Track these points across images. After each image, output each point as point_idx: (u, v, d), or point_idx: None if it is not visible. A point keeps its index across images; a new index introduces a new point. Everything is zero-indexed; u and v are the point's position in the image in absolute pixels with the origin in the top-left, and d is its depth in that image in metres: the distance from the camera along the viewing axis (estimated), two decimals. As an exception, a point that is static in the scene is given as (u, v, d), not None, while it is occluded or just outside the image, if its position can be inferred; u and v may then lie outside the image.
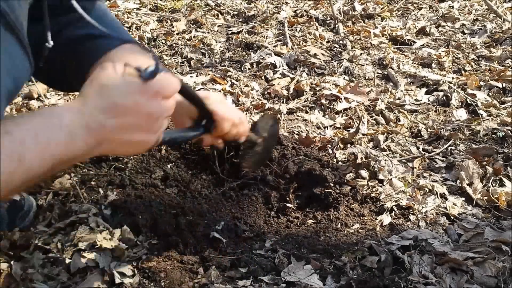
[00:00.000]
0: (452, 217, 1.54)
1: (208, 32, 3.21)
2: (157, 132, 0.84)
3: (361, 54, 2.81)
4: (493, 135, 1.95)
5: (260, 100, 2.32)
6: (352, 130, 2.05)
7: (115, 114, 0.77)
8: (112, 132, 0.78)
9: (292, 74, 2.60)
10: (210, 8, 3.71)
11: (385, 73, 2.60)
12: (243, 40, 3.04)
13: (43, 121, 0.72)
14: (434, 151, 1.89)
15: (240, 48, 2.99)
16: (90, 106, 0.76)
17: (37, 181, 0.75)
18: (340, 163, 1.83)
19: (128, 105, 0.78)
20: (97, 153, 0.82)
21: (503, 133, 1.93)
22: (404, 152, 1.90)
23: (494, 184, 1.67)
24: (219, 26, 3.39)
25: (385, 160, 1.80)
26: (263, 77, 2.59)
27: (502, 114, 2.12)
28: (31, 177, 0.71)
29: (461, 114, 2.17)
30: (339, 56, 2.82)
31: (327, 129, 2.10)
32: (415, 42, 2.99)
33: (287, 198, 1.71)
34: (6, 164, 0.66)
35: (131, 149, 0.88)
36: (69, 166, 0.75)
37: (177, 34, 3.17)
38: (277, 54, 2.81)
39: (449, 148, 1.90)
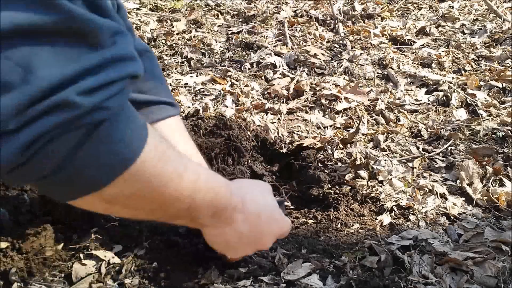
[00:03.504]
0: (452, 217, 1.54)
1: (208, 32, 3.21)
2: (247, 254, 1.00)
3: (361, 54, 2.80)
4: (493, 135, 1.95)
5: (260, 100, 2.32)
6: (352, 130, 2.05)
7: (251, 226, 0.86)
8: (236, 230, 0.86)
9: (292, 74, 2.60)
10: (210, 8, 3.71)
11: (385, 73, 2.60)
12: (243, 40, 3.04)
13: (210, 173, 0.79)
14: (434, 151, 1.89)
15: (240, 48, 2.98)
16: (246, 202, 0.85)
17: (159, 215, 0.77)
18: (339, 163, 1.83)
19: (265, 229, 0.89)
20: (199, 226, 0.90)
21: (503, 133, 1.93)
22: (404, 152, 1.90)
23: (494, 184, 1.67)
24: (219, 26, 3.39)
25: (385, 160, 1.80)
26: (263, 77, 2.59)
27: (502, 114, 2.12)
28: (170, 201, 0.72)
29: (461, 114, 2.17)
30: (339, 56, 2.82)
31: (327, 129, 2.10)
32: (415, 42, 2.99)
33: (286, 199, 1.71)
34: (170, 169, 0.68)
35: (221, 249, 1.00)
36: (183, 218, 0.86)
37: (177, 34, 3.17)
38: (277, 54, 2.81)
39: (449, 148, 1.90)
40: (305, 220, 1.59)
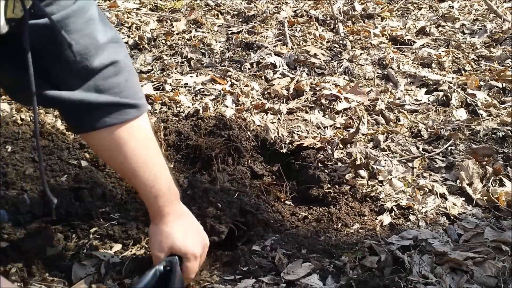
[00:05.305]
0: (452, 217, 1.54)
1: (208, 32, 3.21)
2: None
3: (361, 54, 2.81)
4: (493, 135, 1.95)
5: (260, 100, 2.32)
6: (352, 130, 2.05)
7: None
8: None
9: (292, 74, 2.60)
10: (210, 8, 3.71)
11: (385, 73, 2.60)
12: (243, 40, 3.04)
13: None
14: (434, 151, 1.89)
15: (240, 48, 2.98)
16: None
17: None
18: (339, 163, 1.83)
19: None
20: None
21: (503, 133, 1.93)
22: (404, 152, 1.90)
23: (494, 184, 1.67)
24: (219, 26, 3.39)
25: (385, 160, 1.80)
26: (263, 77, 2.59)
27: (502, 114, 2.11)
28: None
29: (461, 114, 2.17)
30: (339, 56, 2.82)
31: (327, 129, 2.10)
32: (415, 42, 2.99)
33: (286, 200, 1.71)
34: None
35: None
36: None
37: (177, 34, 3.17)
38: (277, 54, 2.81)
39: (449, 148, 1.90)
40: (305, 220, 1.59)
